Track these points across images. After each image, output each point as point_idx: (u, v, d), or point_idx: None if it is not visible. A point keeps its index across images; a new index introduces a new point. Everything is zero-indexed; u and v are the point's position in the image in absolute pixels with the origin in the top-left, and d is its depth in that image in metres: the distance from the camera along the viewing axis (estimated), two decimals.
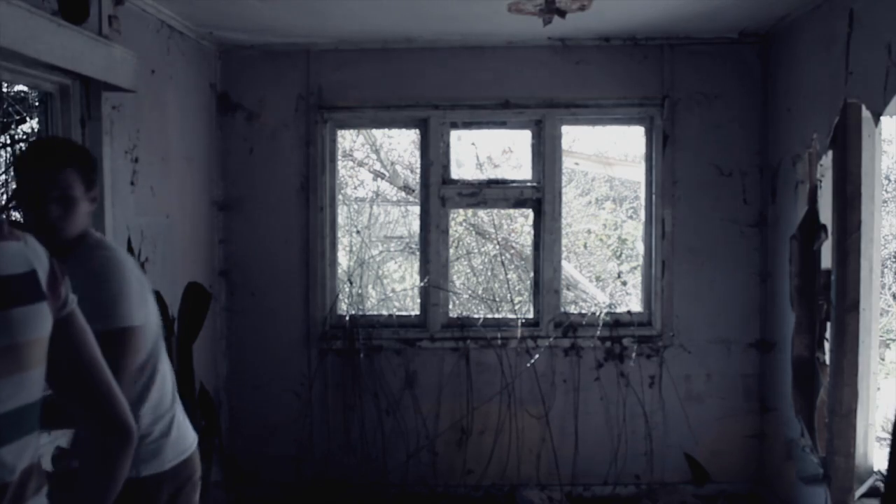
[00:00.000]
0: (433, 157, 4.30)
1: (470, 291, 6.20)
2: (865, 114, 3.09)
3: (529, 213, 4.63)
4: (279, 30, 3.95)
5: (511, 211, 5.91)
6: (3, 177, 4.15)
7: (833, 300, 3.26)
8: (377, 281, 5.82)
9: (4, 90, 3.45)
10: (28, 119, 3.83)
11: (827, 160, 3.40)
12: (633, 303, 5.35)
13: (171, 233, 3.69)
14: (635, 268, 5.88)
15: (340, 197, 4.66)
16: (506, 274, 5.69)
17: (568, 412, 4.27)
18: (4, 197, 4.15)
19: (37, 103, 3.04)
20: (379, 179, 6.82)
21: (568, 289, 6.17)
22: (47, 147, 1.94)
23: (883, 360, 6.24)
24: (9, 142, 4.06)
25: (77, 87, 2.88)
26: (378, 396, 4.26)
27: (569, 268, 6.44)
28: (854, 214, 3.16)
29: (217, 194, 4.26)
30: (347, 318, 4.33)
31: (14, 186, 2.02)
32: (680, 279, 4.22)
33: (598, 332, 4.24)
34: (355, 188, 6.94)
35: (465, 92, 4.24)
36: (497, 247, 6.14)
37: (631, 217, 7.21)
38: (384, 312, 4.59)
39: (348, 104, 4.28)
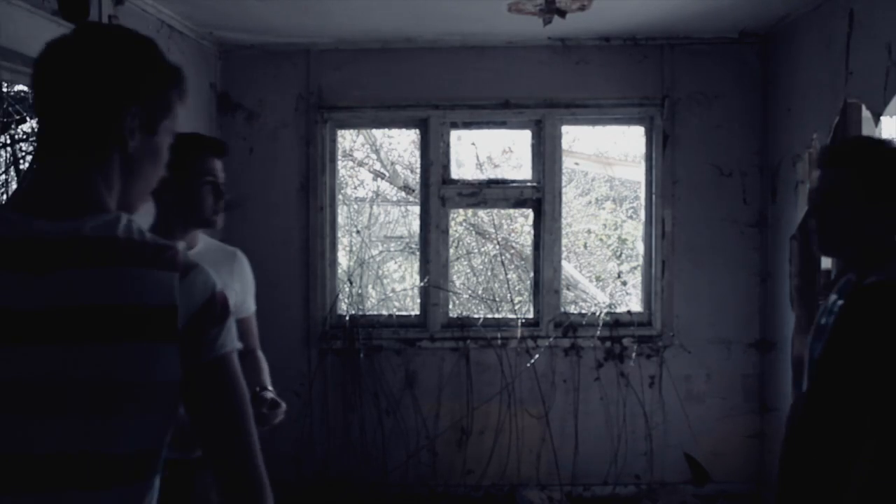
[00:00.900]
0: (433, 157, 4.30)
1: (470, 291, 6.21)
2: (865, 114, 3.09)
3: (529, 213, 4.63)
4: (279, 30, 3.95)
5: (511, 211, 5.91)
6: (3, 177, 4.16)
7: None
8: (377, 281, 5.82)
9: (4, 90, 3.45)
10: (28, 119, 3.84)
11: None
12: (633, 303, 5.36)
13: None
14: (635, 268, 5.88)
15: (340, 197, 4.66)
16: (506, 274, 5.69)
17: (568, 412, 4.27)
18: (5, 197, 4.15)
19: None
20: (379, 179, 6.82)
21: (568, 289, 6.17)
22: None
23: None
24: (9, 142, 4.06)
25: None
26: (378, 396, 4.27)
27: (569, 268, 6.44)
28: None
29: None
30: (347, 318, 4.33)
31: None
32: (680, 279, 4.22)
33: (598, 332, 4.25)
34: (355, 188, 6.95)
35: (465, 92, 4.24)
36: (497, 247, 6.14)
37: (631, 217, 7.21)
38: (384, 312, 4.59)
39: (348, 104, 4.28)
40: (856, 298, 1.57)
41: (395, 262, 7.04)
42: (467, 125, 4.43)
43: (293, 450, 4.28)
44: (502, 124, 4.43)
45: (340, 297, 4.44)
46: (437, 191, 4.32)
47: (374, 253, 6.19)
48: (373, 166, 6.81)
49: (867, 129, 3.16)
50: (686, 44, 4.17)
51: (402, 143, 6.87)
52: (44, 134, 1.13)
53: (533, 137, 4.36)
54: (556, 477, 4.25)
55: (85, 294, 1.03)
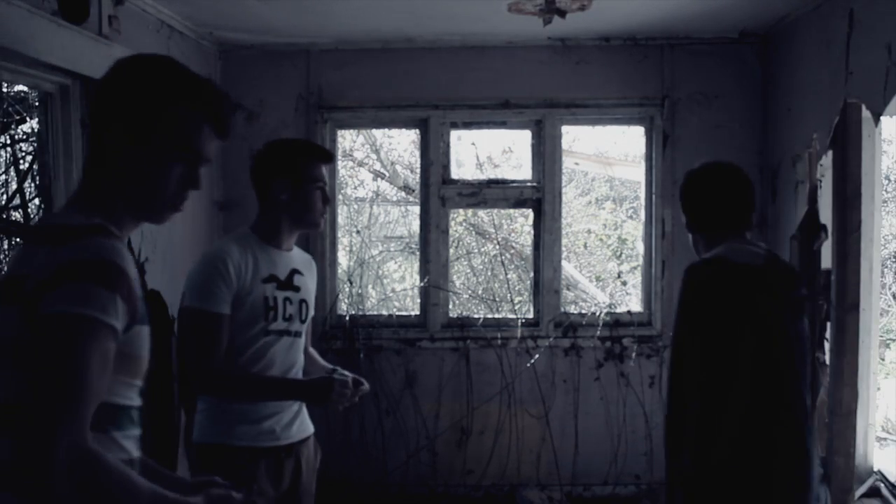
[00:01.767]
0: (433, 157, 4.30)
1: (470, 291, 6.20)
2: (865, 114, 3.09)
3: (529, 213, 4.63)
4: (279, 30, 3.95)
5: (511, 211, 5.91)
6: (3, 177, 4.15)
7: (833, 300, 3.26)
8: (377, 281, 5.82)
9: (4, 90, 3.45)
10: (28, 119, 3.83)
11: (827, 160, 3.39)
12: (633, 303, 5.35)
13: (171, 233, 3.69)
14: (635, 268, 5.88)
15: (340, 197, 4.66)
16: (506, 274, 5.69)
17: (568, 412, 4.27)
18: (4, 197, 4.14)
19: (37, 103, 3.04)
20: (379, 179, 6.81)
21: (568, 289, 6.17)
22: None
23: (883, 360, 6.24)
24: (9, 142, 4.06)
25: (77, 87, 2.88)
26: (378, 396, 4.26)
27: (569, 268, 6.44)
28: (854, 214, 3.15)
29: (217, 194, 4.26)
30: (347, 318, 4.33)
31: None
32: (680, 279, 4.21)
33: (598, 332, 4.24)
34: (355, 188, 6.94)
35: (465, 92, 4.24)
36: (497, 247, 6.14)
37: (631, 217, 7.21)
38: (384, 312, 4.60)
39: (348, 104, 4.28)
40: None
41: (395, 262, 7.04)
42: (467, 125, 4.43)
43: None
44: (502, 124, 4.43)
45: (340, 297, 4.43)
46: (437, 191, 4.32)
47: (374, 253, 6.18)
48: (373, 166, 6.81)
49: (867, 129, 3.16)
50: (686, 44, 4.17)
51: (402, 143, 6.86)
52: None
53: (533, 137, 4.36)
54: (556, 477, 4.25)
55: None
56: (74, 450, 1.09)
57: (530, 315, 4.40)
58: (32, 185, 4.04)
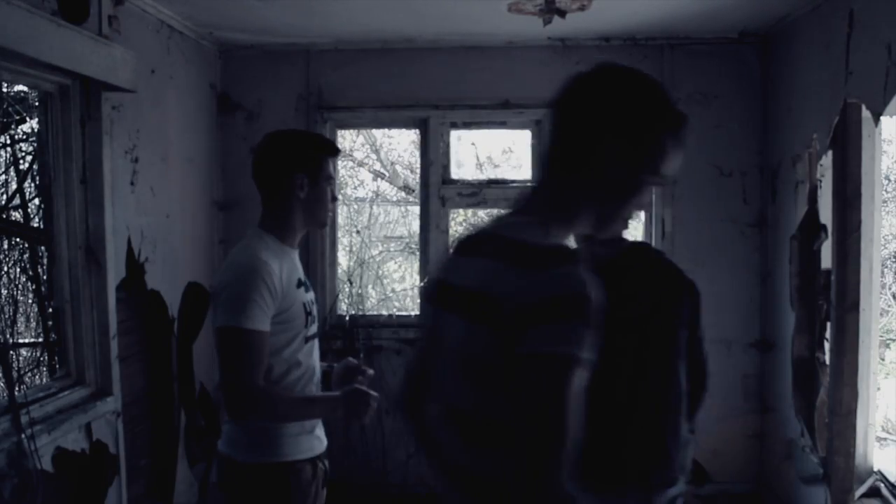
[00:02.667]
0: (433, 157, 4.30)
1: None
2: (865, 114, 3.09)
3: None
4: (279, 30, 3.95)
5: None
6: (3, 177, 4.15)
7: (833, 300, 3.26)
8: (377, 281, 5.81)
9: (4, 90, 3.45)
10: (28, 119, 3.83)
11: (827, 160, 3.39)
12: None
13: (171, 233, 3.69)
14: None
15: (340, 197, 4.66)
16: None
17: None
18: (4, 197, 4.15)
19: (37, 103, 3.04)
20: (379, 179, 6.81)
21: None
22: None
23: (883, 360, 6.23)
24: (9, 142, 4.06)
25: (77, 87, 2.88)
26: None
27: None
28: (854, 214, 3.15)
29: (217, 194, 4.26)
30: (347, 318, 4.32)
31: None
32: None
33: None
34: (355, 188, 6.94)
35: (465, 92, 4.24)
36: None
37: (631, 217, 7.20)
38: (384, 312, 4.59)
39: (348, 104, 4.28)
40: None
41: (395, 262, 7.03)
42: (467, 125, 4.43)
43: None
44: (502, 124, 4.43)
45: (340, 297, 4.43)
46: (437, 191, 4.32)
47: (374, 253, 6.18)
48: (373, 166, 6.80)
49: (867, 129, 3.16)
50: (686, 44, 4.16)
51: (402, 143, 6.86)
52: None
53: (533, 137, 4.36)
54: None
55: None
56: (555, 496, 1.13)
57: None
58: (32, 185, 4.04)
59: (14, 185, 4.12)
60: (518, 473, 1.14)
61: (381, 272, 6.22)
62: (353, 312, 4.38)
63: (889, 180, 7.20)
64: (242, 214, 4.30)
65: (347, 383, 2.27)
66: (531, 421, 1.14)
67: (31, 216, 4.01)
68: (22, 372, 4.12)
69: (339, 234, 4.57)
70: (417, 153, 4.83)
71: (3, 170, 4.11)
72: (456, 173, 4.48)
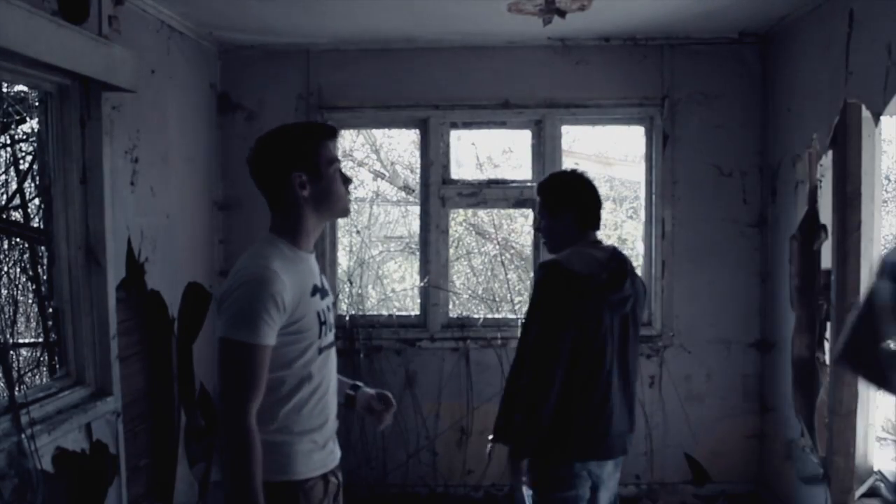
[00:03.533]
0: (433, 157, 4.30)
1: (470, 291, 6.20)
2: (865, 114, 3.09)
3: (529, 213, 4.63)
4: (279, 30, 3.95)
5: (511, 211, 5.90)
6: (3, 177, 4.15)
7: (833, 300, 3.26)
8: (377, 281, 5.81)
9: (4, 90, 3.45)
10: (28, 119, 3.83)
11: (827, 160, 3.40)
12: None
13: (171, 233, 3.69)
14: (635, 268, 5.86)
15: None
16: (506, 274, 5.69)
17: None
18: (4, 197, 4.15)
19: (37, 103, 3.04)
20: (379, 179, 6.81)
21: None
22: None
23: None
24: (9, 142, 4.06)
25: (77, 87, 2.88)
26: None
27: None
28: (854, 214, 3.16)
29: (217, 194, 4.26)
30: (347, 318, 4.33)
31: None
32: (680, 279, 4.22)
33: None
34: (355, 188, 6.93)
35: (465, 92, 4.24)
36: (497, 247, 6.14)
37: (631, 217, 7.20)
38: (384, 312, 4.59)
39: (348, 104, 4.28)
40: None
41: (395, 262, 7.03)
42: (467, 125, 4.43)
43: None
44: (502, 124, 4.43)
45: (340, 297, 4.43)
46: (437, 191, 4.32)
47: (374, 253, 6.18)
48: (373, 166, 6.80)
49: (867, 129, 3.16)
50: (686, 44, 4.16)
51: (402, 143, 6.86)
52: None
53: (533, 137, 4.36)
54: None
55: None
56: None
57: None
58: (32, 185, 4.04)
59: (14, 185, 4.12)
60: None
61: (381, 272, 6.21)
62: (353, 312, 4.38)
63: (889, 180, 7.19)
64: (242, 214, 4.30)
65: (370, 413, 2.23)
66: None
67: (31, 216, 4.01)
68: (22, 372, 4.12)
69: (339, 234, 4.57)
70: (417, 153, 4.83)
71: (3, 170, 4.11)
72: (456, 173, 4.48)
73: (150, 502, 3.44)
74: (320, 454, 1.97)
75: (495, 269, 6.05)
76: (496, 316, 4.66)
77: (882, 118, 2.98)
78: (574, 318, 2.28)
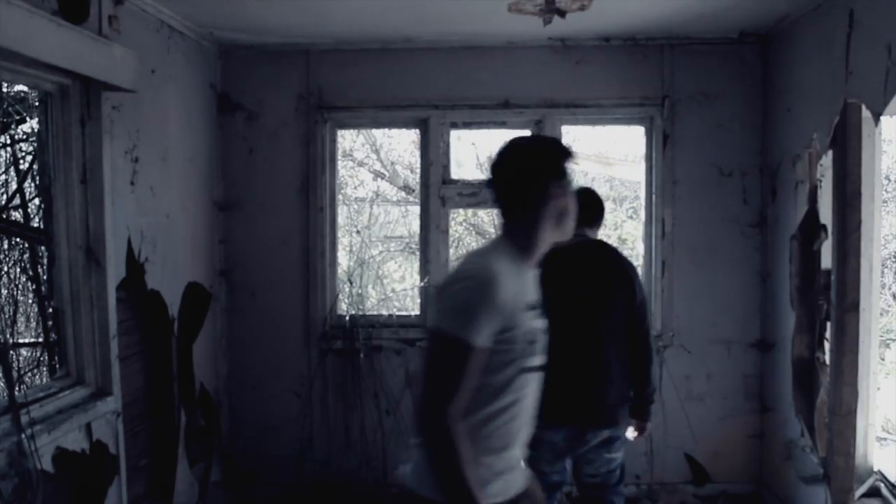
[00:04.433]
0: (433, 157, 4.30)
1: None
2: (865, 114, 3.09)
3: None
4: (279, 30, 3.95)
5: None
6: (3, 177, 4.16)
7: (833, 300, 3.26)
8: (377, 281, 5.81)
9: (4, 90, 3.45)
10: (28, 119, 3.84)
11: (827, 160, 3.40)
12: None
13: (171, 233, 3.69)
14: (635, 268, 5.86)
15: (340, 197, 4.66)
16: None
17: None
18: (4, 197, 4.15)
19: (37, 103, 3.04)
20: (379, 179, 6.82)
21: None
22: None
23: (883, 360, 6.23)
24: (9, 142, 4.06)
25: (77, 87, 2.88)
26: (378, 396, 4.26)
27: None
28: (854, 214, 3.15)
29: (217, 194, 4.26)
30: (347, 318, 4.32)
31: None
32: (680, 279, 4.22)
33: None
34: (355, 188, 6.95)
35: (465, 92, 4.24)
36: None
37: (631, 217, 7.21)
38: (384, 312, 4.59)
39: (348, 104, 4.28)
40: None
41: (395, 262, 7.04)
42: (467, 125, 4.42)
43: (293, 450, 4.28)
44: (502, 124, 4.42)
45: (340, 297, 4.43)
46: (437, 191, 4.32)
47: (374, 253, 6.18)
48: (373, 166, 6.81)
49: (867, 129, 3.16)
50: (686, 44, 4.17)
51: (402, 143, 6.87)
52: None
53: None
54: None
55: None
56: None
57: None
58: (32, 185, 4.04)
59: (14, 185, 4.12)
60: None
61: (381, 272, 6.22)
62: (353, 312, 4.38)
63: (889, 180, 7.20)
64: (242, 214, 4.31)
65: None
66: None
67: (31, 216, 4.01)
68: (22, 372, 4.13)
69: (339, 234, 4.57)
70: (417, 153, 4.83)
71: (3, 170, 4.12)
72: (456, 173, 4.48)
73: (150, 502, 3.44)
74: (493, 484, 1.82)
75: None
76: None
77: (882, 118, 2.98)
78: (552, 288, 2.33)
